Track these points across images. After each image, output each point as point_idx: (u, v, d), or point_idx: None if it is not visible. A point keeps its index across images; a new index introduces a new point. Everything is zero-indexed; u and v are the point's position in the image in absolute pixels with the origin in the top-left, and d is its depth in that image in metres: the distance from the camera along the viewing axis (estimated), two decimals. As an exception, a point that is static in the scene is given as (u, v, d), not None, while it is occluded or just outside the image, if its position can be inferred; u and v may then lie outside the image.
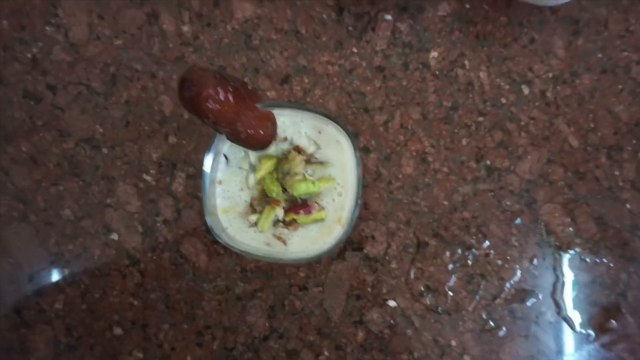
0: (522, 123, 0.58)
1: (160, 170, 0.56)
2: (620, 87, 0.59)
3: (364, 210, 0.55)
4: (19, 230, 0.55)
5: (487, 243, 0.57)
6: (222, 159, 0.37)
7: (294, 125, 0.38)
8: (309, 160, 0.38)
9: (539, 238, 0.58)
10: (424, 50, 0.58)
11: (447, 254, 0.57)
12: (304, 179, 0.37)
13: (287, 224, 0.37)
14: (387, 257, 0.56)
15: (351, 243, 0.56)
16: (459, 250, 0.57)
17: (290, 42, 0.57)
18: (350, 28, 0.58)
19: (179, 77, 0.30)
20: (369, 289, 0.56)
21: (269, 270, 0.56)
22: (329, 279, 0.56)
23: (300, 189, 0.37)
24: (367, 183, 0.56)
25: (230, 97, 0.30)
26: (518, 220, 0.57)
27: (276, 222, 0.37)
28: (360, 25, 0.58)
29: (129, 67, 0.55)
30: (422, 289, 0.56)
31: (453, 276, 0.56)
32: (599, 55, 0.59)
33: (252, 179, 0.37)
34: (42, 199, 0.55)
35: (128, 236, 0.55)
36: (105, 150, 0.55)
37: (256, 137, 0.34)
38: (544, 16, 0.59)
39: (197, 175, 0.56)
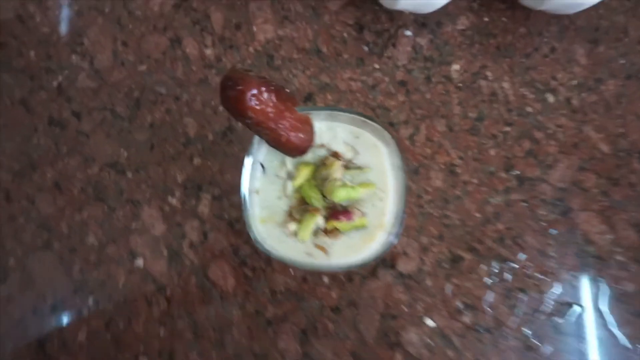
0: (550, 131, 0.55)
1: (185, 192, 0.52)
2: (646, 91, 0.56)
3: (393, 226, 0.51)
4: (43, 259, 0.51)
5: (523, 255, 0.52)
6: (259, 167, 0.34)
7: (330, 131, 0.35)
8: (347, 166, 0.34)
9: (578, 248, 0.53)
10: (446, 63, 0.55)
11: (483, 268, 0.52)
12: (344, 185, 0.34)
13: (327, 232, 0.33)
14: (421, 274, 0.52)
15: (383, 260, 0.52)
16: (495, 264, 0.52)
17: (312, 61, 0.55)
18: (371, 45, 0.56)
19: (221, 78, 0.27)
20: (404, 308, 0.52)
21: (299, 292, 0.51)
22: (362, 298, 0.52)
23: (341, 194, 0.33)
24: (395, 198, 0.52)
25: (273, 97, 0.27)
26: (554, 230, 0.52)
27: (316, 231, 0.34)
28: (381, 42, 0.56)
29: (153, 90, 0.53)
30: (460, 306, 0.51)
31: (491, 291, 0.52)
32: (622, 61, 0.57)
33: (290, 187, 0.33)
34: (66, 226, 0.52)
35: (153, 261, 0.52)
36: (129, 174, 0.52)
37: (296, 141, 0.30)
38: (562, 25, 0.56)
39: (222, 196, 0.52)
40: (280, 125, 0.28)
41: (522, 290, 0.49)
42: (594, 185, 0.51)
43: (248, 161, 0.30)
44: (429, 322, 0.49)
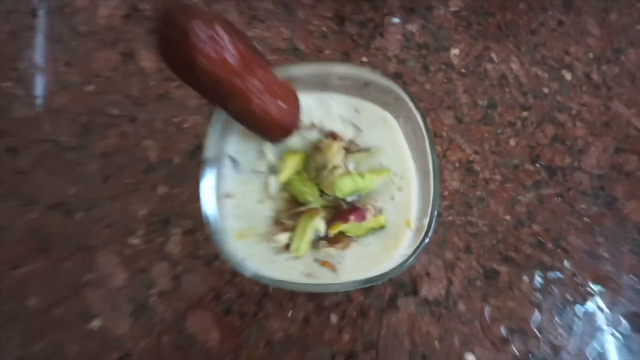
0: (574, 112, 0.47)
1: (149, 229, 0.42)
2: (672, 57, 0.49)
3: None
4: (-27, 335, 0.40)
5: (569, 260, 0.43)
6: (228, 163, 0.24)
7: (321, 106, 0.25)
8: (349, 149, 0.25)
9: (633, 244, 0.44)
10: (443, 49, 0.48)
11: (525, 281, 0.42)
12: (348, 173, 0.24)
13: (333, 241, 0.23)
14: (450, 298, 0.42)
15: (402, 287, 0.42)
16: (539, 275, 0.42)
17: (290, 61, 0.47)
18: (355, 37, 0.48)
19: (156, 13, 0.18)
20: (436, 344, 0.41)
21: (302, 338, 0.40)
22: (383, 338, 0.41)
23: (345, 187, 0.23)
24: (406, 209, 0.43)
25: (236, 42, 0.19)
26: (600, 227, 0.43)
27: (317, 241, 0.24)
28: (367, 33, 0.48)
29: (104, 113, 0.44)
30: (504, 332, 0.41)
31: (538, 310, 0.41)
32: (638, 27, 0.50)
33: (274, 184, 0.24)
34: None
35: (114, 320, 0.41)
36: (79, 215, 0.42)
37: (275, 112, 0.21)
38: (565, -3, 0.49)
39: (195, 229, 0.42)
40: (249, 85, 0.19)
41: (576, 303, 0.39)
42: (637, 167, 0.43)
43: (209, 155, 0.20)
44: (470, 358, 0.38)
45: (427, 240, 0.20)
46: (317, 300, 0.38)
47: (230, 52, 0.18)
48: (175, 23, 0.16)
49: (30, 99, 0.42)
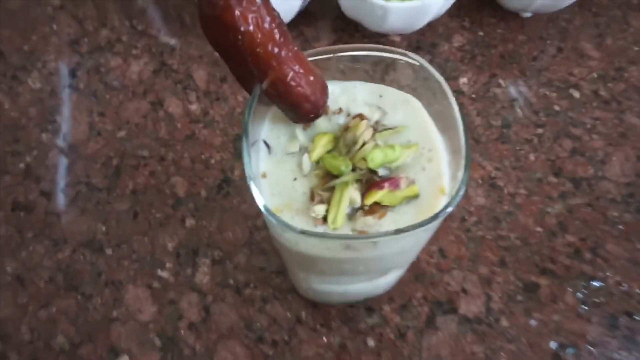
0: (588, 126, 0.47)
1: (178, 261, 0.42)
2: (674, 72, 0.50)
3: (443, 259, 0.40)
4: (-4, 382, 0.38)
5: (612, 268, 0.41)
6: (263, 147, 0.25)
7: (346, 93, 0.27)
8: (376, 129, 0.26)
9: (675, 248, 0.42)
10: (452, 78, 0.50)
11: (568, 292, 0.40)
12: (378, 146, 0.25)
13: (369, 211, 0.23)
14: (492, 314, 0.39)
15: (439, 305, 0.40)
16: (581, 286, 0.40)
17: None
18: (370, 72, 0.51)
19: None
20: (483, 365, 0.38)
21: (339, 356, 0.38)
22: (424, 361, 0.38)
23: (377, 157, 0.24)
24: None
25: (274, 18, 0.21)
26: (637, 233, 0.42)
27: (353, 213, 0.24)
28: (380, 69, 0.51)
29: (134, 155, 0.46)
30: (555, 347, 0.38)
31: (588, 322, 0.39)
32: (635, 48, 0.52)
33: (307, 163, 0.25)
34: (27, 329, 0.39)
35: (142, 356, 0.38)
36: (109, 251, 0.42)
37: (307, 88, 0.22)
38: (561, 27, 0.53)
39: (224, 258, 0.42)
40: (285, 56, 0.20)
41: (628, 313, 0.37)
42: (662, 173, 0.43)
43: (248, 141, 0.21)
44: (522, 379, 0.35)
45: (463, 188, 0.20)
46: (352, 324, 0.37)
47: (268, 20, 0.19)
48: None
49: (66, 147, 0.44)
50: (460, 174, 0.20)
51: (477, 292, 0.38)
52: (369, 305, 0.37)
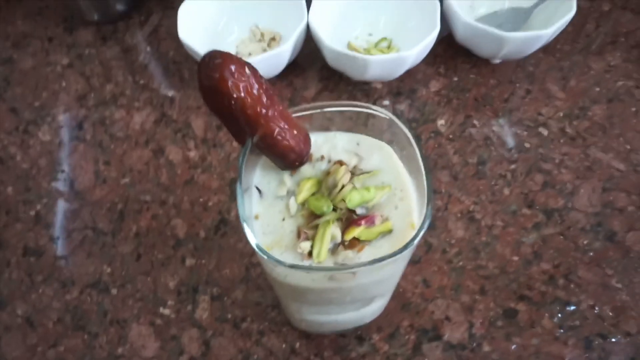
0: (557, 161, 0.51)
1: (179, 299, 0.44)
2: (634, 109, 0.54)
3: (427, 289, 0.43)
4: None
5: (584, 293, 0.43)
6: (255, 192, 0.29)
7: (327, 142, 0.31)
8: (354, 173, 0.30)
9: (643, 272, 0.45)
10: (430, 120, 0.54)
11: (545, 317, 0.43)
12: (355, 189, 0.29)
13: (349, 245, 0.27)
14: (474, 340, 0.42)
15: (425, 332, 0.42)
16: (557, 310, 0.43)
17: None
18: (354, 118, 0.55)
19: (200, 61, 0.24)
20: (468, 389, 0.40)
21: None
22: (413, 387, 0.40)
23: (355, 198, 0.28)
24: (419, 259, 0.45)
25: (259, 79, 0.24)
26: (606, 260, 0.44)
27: (335, 248, 0.27)
28: (363, 114, 0.55)
29: (137, 200, 0.49)
30: (535, 371, 0.40)
31: (565, 345, 0.41)
32: (597, 89, 0.57)
33: (294, 205, 0.28)
34: None
35: (146, 391, 0.40)
36: (114, 291, 0.45)
37: (292, 141, 0.26)
38: (528, 72, 0.57)
39: (223, 294, 0.44)
40: (272, 115, 0.24)
41: (601, 335, 0.40)
42: (628, 203, 0.46)
43: (242, 187, 0.25)
44: (506, 401, 0.37)
45: (427, 223, 0.23)
46: (343, 353, 0.39)
47: (256, 87, 0.23)
48: (215, 65, 0.22)
49: (74, 194, 0.48)
50: (424, 209, 0.24)
51: (460, 319, 0.40)
52: (359, 334, 0.40)
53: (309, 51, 0.55)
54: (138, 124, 0.52)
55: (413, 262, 0.43)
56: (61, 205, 0.47)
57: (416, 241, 0.23)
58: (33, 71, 0.57)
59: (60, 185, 0.48)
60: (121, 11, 0.60)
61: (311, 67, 0.56)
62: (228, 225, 0.45)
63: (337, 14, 0.54)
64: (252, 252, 0.44)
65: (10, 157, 0.50)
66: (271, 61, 0.48)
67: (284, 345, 0.39)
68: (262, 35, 0.56)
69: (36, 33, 0.61)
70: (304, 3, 0.52)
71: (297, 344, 0.39)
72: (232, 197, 0.47)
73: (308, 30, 0.52)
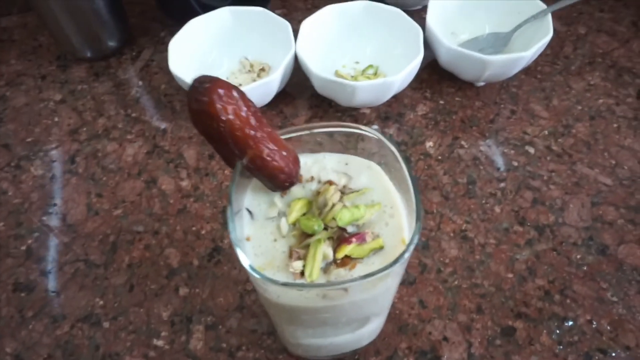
0: (545, 177, 0.52)
1: (173, 329, 0.43)
2: (615, 125, 0.56)
3: (423, 309, 0.42)
4: None
5: (581, 308, 0.43)
6: (246, 214, 0.29)
7: (317, 164, 0.31)
8: (344, 192, 0.30)
9: (638, 285, 0.45)
10: (419, 143, 0.55)
11: (543, 334, 0.42)
12: (346, 207, 0.29)
13: (340, 264, 0.27)
14: (474, 360, 0.41)
15: (423, 354, 0.41)
16: (555, 326, 0.42)
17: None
18: (344, 143, 0.56)
19: (190, 86, 0.24)
20: (470, 411, 0.39)
21: None
22: (414, 412, 0.39)
23: (345, 216, 0.28)
24: (414, 279, 0.45)
25: (247, 102, 0.25)
26: (600, 273, 0.44)
27: (327, 267, 0.27)
28: (352, 140, 0.56)
29: (130, 231, 0.49)
30: (537, 389, 0.39)
31: (565, 362, 0.40)
32: (579, 107, 0.58)
33: (285, 225, 0.28)
34: None
35: None
36: (106, 324, 0.44)
37: (281, 161, 0.26)
38: (512, 92, 0.59)
39: (217, 323, 0.43)
40: (260, 136, 0.25)
41: (601, 350, 0.39)
42: (617, 216, 0.47)
43: (232, 210, 0.25)
44: (509, 423, 0.37)
45: (417, 237, 0.23)
46: (341, 379, 0.38)
47: (244, 110, 0.24)
48: (204, 88, 0.23)
49: (66, 227, 0.48)
50: (413, 225, 0.24)
51: (458, 339, 0.40)
52: (357, 358, 0.39)
53: (298, 80, 0.56)
54: (130, 155, 0.53)
55: (408, 283, 0.43)
56: (53, 239, 0.47)
57: (406, 255, 0.23)
58: (26, 107, 0.58)
59: (52, 219, 0.48)
60: (113, 47, 0.62)
61: (300, 95, 0.57)
62: (221, 253, 0.45)
63: (324, 44, 0.56)
64: (246, 279, 0.43)
65: (2, 193, 0.50)
66: (261, 90, 0.50)
67: (280, 373, 0.38)
68: (252, 66, 0.57)
69: (29, 71, 0.62)
70: (291, 34, 0.53)
71: (294, 370, 0.38)
72: (225, 224, 0.47)
73: (297, 61, 0.53)
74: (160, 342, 0.40)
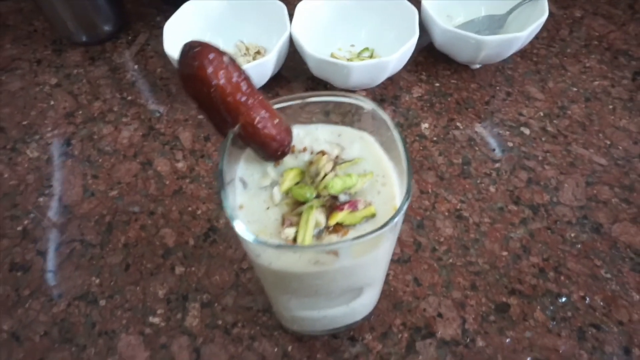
0: (540, 158, 0.52)
1: (169, 307, 0.44)
2: (611, 107, 0.56)
3: (418, 287, 0.42)
4: None
5: (575, 285, 0.43)
6: (239, 184, 0.29)
7: (309, 135, 0.31)
8: (337, 162, 0.30)
9: (631, 262, 0.45)
10: (414, 125, 0.55)
11: (537, 310, 0.42)
12: (338, 176, 0.29)
13: (333, 230, 0.27)
14: (468, 335, 0.41)
15: (418, 330, 0.42)
16: (548, 302, 0.43)
17: (285, 151, 0.54)
18: (339, 123, 0.56)
19: (180, 51, 0.24)
20: (464, 385, 0.39)
21: None
22: (408, 386, 0.39)
23: (337, 185, 0.28)
24: (408, 258, 0.45)
25: (239, 71, 0.25)
26: (594, 251, 0.45)
27: (319, 234, 0.27)
28: (347, 120, 0.56)
29: (126, 212, 0.49)
30: (530, 363, 0.39)
31: (558, 336, 0.40)
32: (574, 89, 0.58)
33: (278, 194, 0.28)
34: None
35: (135, 402, 0.39)
36: (102, 303, 0.44)
37: (273, 130, 0.26)
38: (507, 75, 0.59)
39: (213, 301, 0.44)
40: (252, 103, 0.25)
41: (594, 326, 0.40)
42: (611, 195, 0.47)
43: (225, 179, 0.25)
44: (502, 396, 0.37)
45: (407, 202, 0.24)
46: (336, 354, 0.39)
47: (235, 75, 0.24)
48: (195, 53, 0.23)
49: (61, 208, 0.48)
50: (404, 187, 0.24)
51: (453, 316, 0.40)
52: (352, 335, 0.39)
53: (294, 64, 0.56)
54: (126, 138, 0.53)
55: (403, 261, 0.43)
56: (49, 220, 0.47)
57: (396, 219, 0.23)
58: (21, 91, 0.58)
59: (48, 200, 0.48)
60: (108, 32, 0.62)
61: (296, 78, 0.57)
62: (217, 233, 0.45)
63: (320, 26, 0.56)
64: (242, 258, 0.44)
65: (-3, 175, 0.50)
66: (256, 71, 0.50)
67: (276, 349, 0.39)
68: (247, 49, 0.57)
69: (25, 56, 0.62)
70: (286, 16, 0.53)
71: (290, 347, 0.39)
72: (221, 205, 0.47)
73: (292, 45, 0.53)
74: (156, 320, 0.41)
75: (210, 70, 0.23)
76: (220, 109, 0.25)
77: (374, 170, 0.28)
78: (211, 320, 0.40)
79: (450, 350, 0.38)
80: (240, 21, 0.57)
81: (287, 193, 0.27)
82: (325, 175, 0.27)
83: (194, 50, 0.23)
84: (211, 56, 0.23)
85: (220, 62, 0.23)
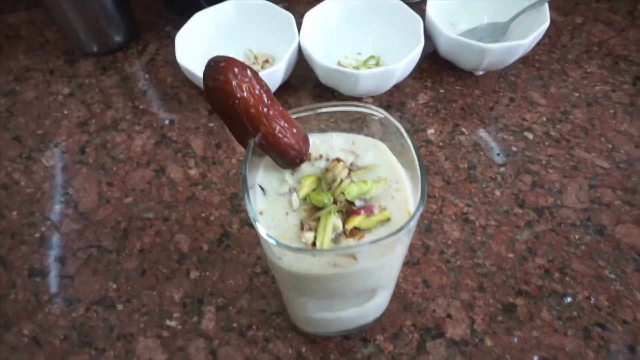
0: (544, 162, 0.53)
1: (185, 310, 0.45)
2: (612, 111, 0.57)
3: (427, 289, 0.44)
4: None
5: (579, 285, 0.45)
6: (258, 190, 0.30)
7: (324, 143, 0.33)
8: (351, 169, 0.31)
9: (635, 263, 0.46)
10: (421, 130, 0.57)
11: (543, 310, 0.44)
12: (354, 182, 0.30)
13: (350, 234, 0.28)
14: (476, 335, 0.42)
15: (428, 331, 0.43)
16: (554, 303, 0.44)
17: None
18: (347, 130, 0.57)
19: (206, 66, 0.26)
20: (473, 384, 0.40)
21: None
22: (419, 385, 0.40)
23: (353, 191, 0.29)
24: (417, 260, 0.46)
25: (260, 82, 0.26)
26: (598, 252, 0.46)
27: (337, 238, 0.28)
28: (356, 126, 0.58)
29: (140, 218, 0.50)
30: (538, 362, 0.40)
31: (565, 336, 0.42)
32: (576, 94, 0.60)
33: (296, 200, 0.29)
34: None
35: (155, 403, 0.40)
36: (120, 307, 0.45)
37: (292, 139, 0.28)
38: (510, 81, 0.61)
39: (227, 304, 0.45)
40: (273, 114, 0.26)
41: (600, 325, 0.41)
42: (614, 198, 0.48)
43: (247, 186, 0.27)
44: (511, 394, 0.38)
45: (422, 207, 0.25)
46: (349, 355, 0.40)
47: (257, 88, 0.25)
48: (221, 68, 0.24)
49: (77, 215, 0.49)
50: (418, 195, 0.25)
51: (461, 317, 0.41)
52: (364, 336, 0.40)
53: (301, 72, 0.58)
54: (139, 146, 0.54)
55: (412, 263, 0.44)
56: (65, 226, 0.48)
57: (412, 223, 0.25)
58: (35, 101, 0.59)
59: (64, 207, 0.50)
60: (119, 42, 0.63)
61: (304, 86, 0.59)
62: (230, 238, 0.47)
63: (327, 35, 0.57)
64: (255, 262, 0.45)
65: (14, 183, 0.52)
66: (266, 79, 0.50)
67: (290, 351, 0.40)
68: (256, 58, 0.58)
69: (38, 66, 0.63)
70: (294, 26, 0.55)
71: (303, 349, 0.40)
72: (233, 210, 0.48)
73: (300, 54, 0.54)
74: (172, 323, 0.42)
75: (235, 83, 0.24)
76: (243, 119, 0.26)
77: (387, 176, 0.30)
78: (226, 323, 0.42)
79: (460, 350, 0.40)
80: (249, 30, 0.59)
81: (305, 199, 0.29)
82: (342, 181, 0.29)
83: (220, 65, 0.24)
84: (236, 70, 0.24)
85: (244, 75, 0.25)
